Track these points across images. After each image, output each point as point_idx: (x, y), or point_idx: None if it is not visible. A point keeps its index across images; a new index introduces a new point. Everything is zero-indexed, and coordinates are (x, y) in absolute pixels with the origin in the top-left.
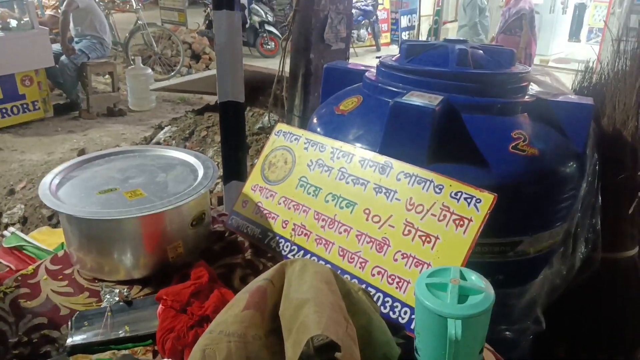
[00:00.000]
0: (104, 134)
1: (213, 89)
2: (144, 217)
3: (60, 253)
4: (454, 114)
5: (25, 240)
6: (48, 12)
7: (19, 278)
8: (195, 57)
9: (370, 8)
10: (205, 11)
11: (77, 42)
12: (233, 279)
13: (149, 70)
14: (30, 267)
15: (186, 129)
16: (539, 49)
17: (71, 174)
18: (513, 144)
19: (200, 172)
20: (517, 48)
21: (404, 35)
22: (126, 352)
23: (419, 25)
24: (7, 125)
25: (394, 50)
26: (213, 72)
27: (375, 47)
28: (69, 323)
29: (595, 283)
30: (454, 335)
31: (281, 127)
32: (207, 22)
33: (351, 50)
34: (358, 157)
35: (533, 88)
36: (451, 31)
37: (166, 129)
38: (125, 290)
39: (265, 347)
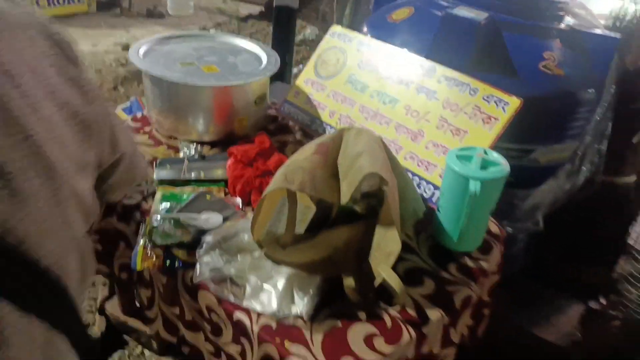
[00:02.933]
0: (146, 32)
1: None
2: (219, 88)
3: (139, 114)
4: (495, 30)
5: None
6: None
7: None
8: None
9: None
10: None
11: None
12: (286, 152)
13: None
14: None
15: None
16: None
17: (153, 47)
18: (543, 63)
19: (264, 60)
20: None
21: None
22: (203, 189)
23: None
24: (54, 14)
25: None
26: None
27: None
28: (154, 164)
29: (593, 203)
30: (473, 192)
31: (336, 28)
32: None
33: None
34: (406, 60)
35: (570, 19)
36: None
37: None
38: (199, 146)
39: (328, 184)
